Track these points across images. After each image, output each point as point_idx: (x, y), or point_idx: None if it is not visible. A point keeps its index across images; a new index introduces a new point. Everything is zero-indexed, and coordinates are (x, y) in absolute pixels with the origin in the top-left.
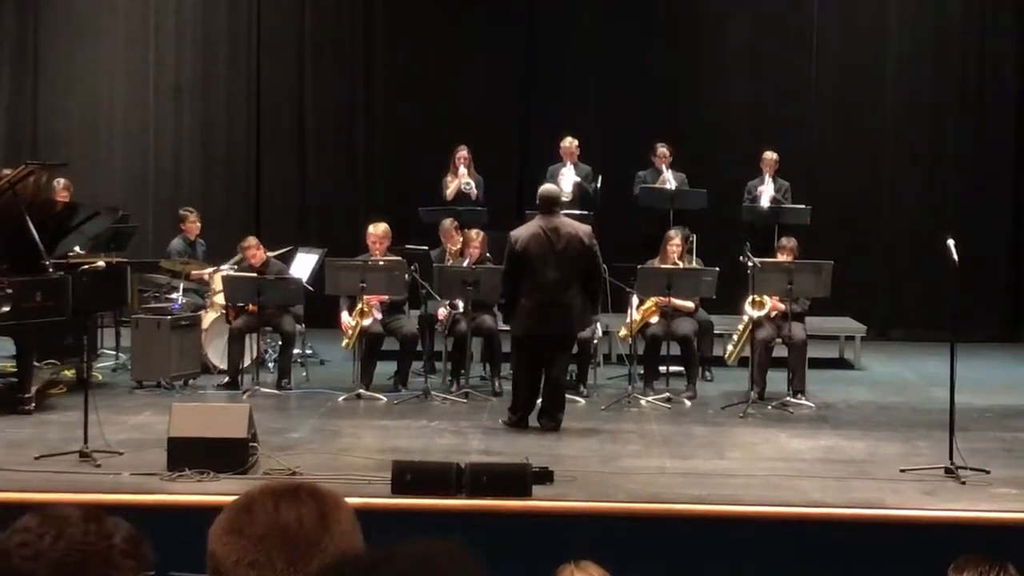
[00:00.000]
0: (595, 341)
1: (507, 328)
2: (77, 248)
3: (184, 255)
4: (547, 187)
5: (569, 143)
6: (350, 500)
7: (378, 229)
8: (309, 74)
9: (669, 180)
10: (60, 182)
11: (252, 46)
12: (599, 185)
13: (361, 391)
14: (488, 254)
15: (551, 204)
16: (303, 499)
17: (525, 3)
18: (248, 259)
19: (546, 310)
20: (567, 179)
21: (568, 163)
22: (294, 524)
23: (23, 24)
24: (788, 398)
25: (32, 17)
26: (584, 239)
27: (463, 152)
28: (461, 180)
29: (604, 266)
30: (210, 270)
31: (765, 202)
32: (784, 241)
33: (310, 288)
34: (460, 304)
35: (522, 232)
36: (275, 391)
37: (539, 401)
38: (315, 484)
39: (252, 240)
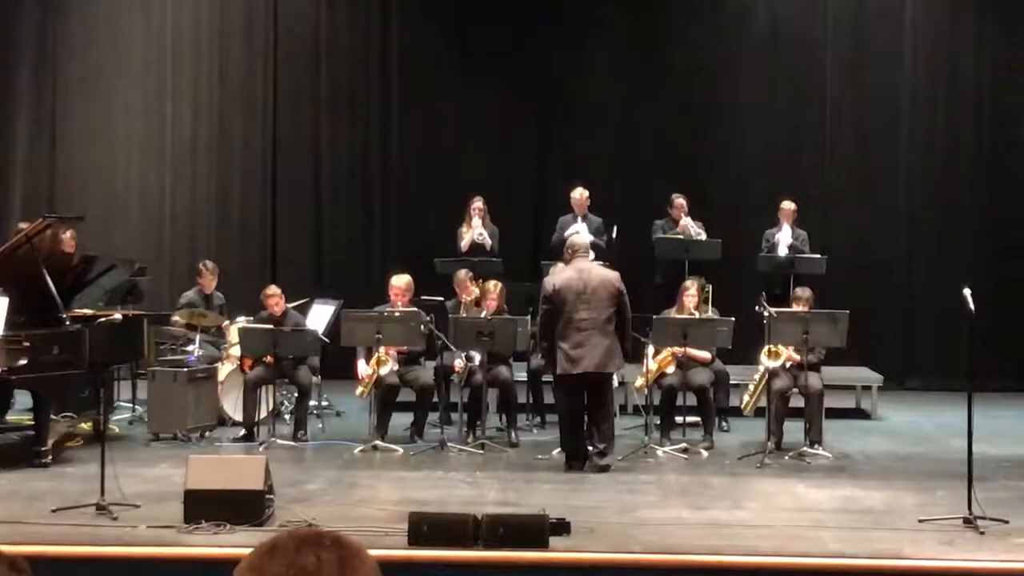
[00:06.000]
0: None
1: (523, 379)
2: (87, 310)
3: (196, 307)
4: (576, 237)
5: (579, 195)
6: None
7: (401, 281)
8: (324, 127)
9: (691, 225)
10: (67, 233)
11: (268, 100)
12: (615, 235)
13: (377, 442)
14: (505, 305)
15: (580, 251)
16: (326, 545)
17: (540, 56)
18: (270, 307)
19: (580, 351)
20: (579, 231)
21: (578, 215)
22: (312, 568)
23: (41, 80)
24: (805, 448)
25: (50, 73)
26: (614, 282)
27: (478, 203)
28: (475, 231)
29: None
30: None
31: (783, 250)
32: (799, 291)
33: (326, 340)
34: (476, 356)
35: (556, 278)
36: (291, 443)
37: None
38: (340, 534)
39: (275, 289)
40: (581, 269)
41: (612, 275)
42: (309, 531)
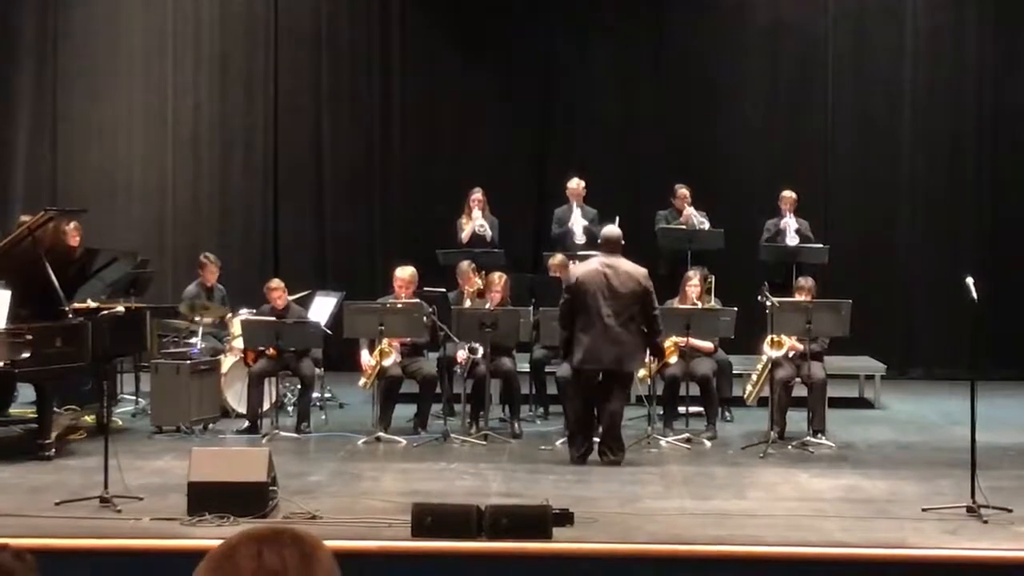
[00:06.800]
0: None
1: (526, 370)
2: (90, 303)
3: (198, 300)
4: (610, 228)
5: (576, 184)
6: (370, 543)
7: (405, 273)
8: (326, 120)
9: (695, 215)
10: (71, 225)
11: (269, 95)
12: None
13: (380, 434)
14: (508, 297)
15: (613, 244)
16: (285, 543)
17: (541, 48)
18: (272, 300)
19: (600, 344)
20: (576, 223)
21: (575, 205)
22: (279, 568)
23: (42, 75)
24: (808, 438)
25: (51, 69)
26: (641, 279)
27: (477, 194)
28: (475, 222)
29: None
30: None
31: (791, 237)
32: (802, 281)
33: (328, 332)
34: (479, 348)
35: (581, 268)
36: (294, 435)
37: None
38: (295, 528)
39: (278, 282)
40: (609, 263)
41: (639, 271)
42: (265, 529)
